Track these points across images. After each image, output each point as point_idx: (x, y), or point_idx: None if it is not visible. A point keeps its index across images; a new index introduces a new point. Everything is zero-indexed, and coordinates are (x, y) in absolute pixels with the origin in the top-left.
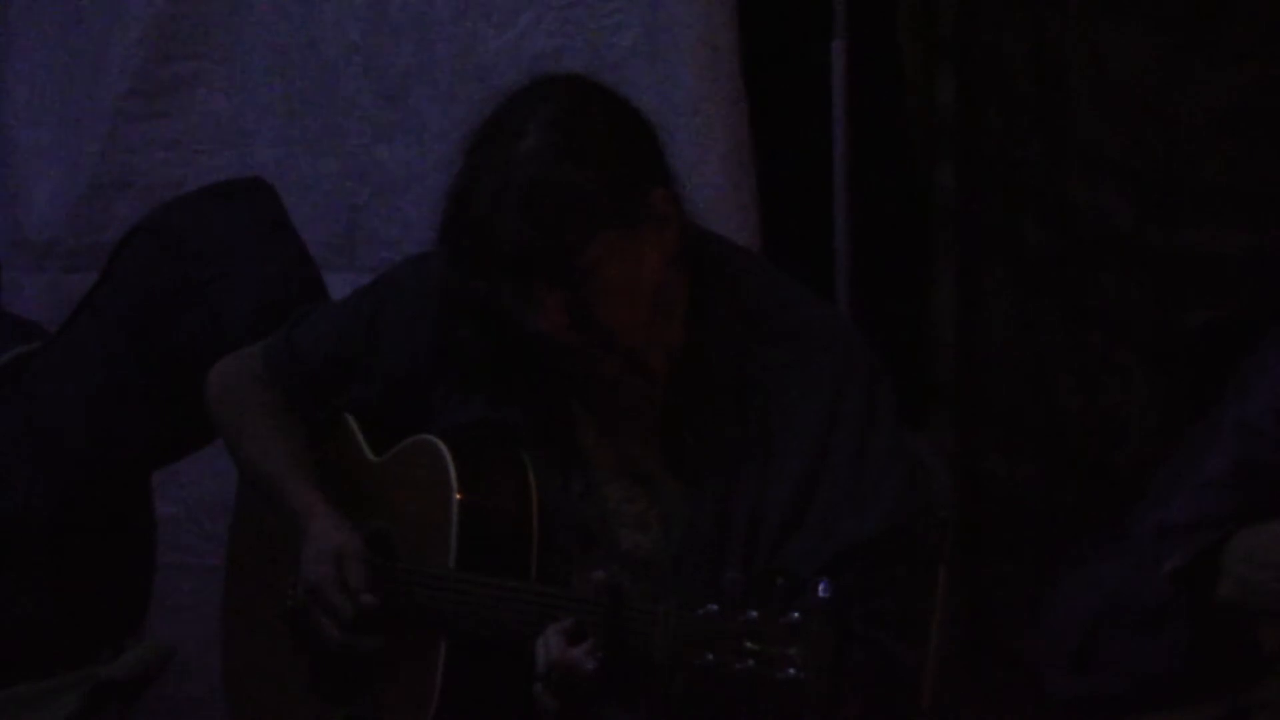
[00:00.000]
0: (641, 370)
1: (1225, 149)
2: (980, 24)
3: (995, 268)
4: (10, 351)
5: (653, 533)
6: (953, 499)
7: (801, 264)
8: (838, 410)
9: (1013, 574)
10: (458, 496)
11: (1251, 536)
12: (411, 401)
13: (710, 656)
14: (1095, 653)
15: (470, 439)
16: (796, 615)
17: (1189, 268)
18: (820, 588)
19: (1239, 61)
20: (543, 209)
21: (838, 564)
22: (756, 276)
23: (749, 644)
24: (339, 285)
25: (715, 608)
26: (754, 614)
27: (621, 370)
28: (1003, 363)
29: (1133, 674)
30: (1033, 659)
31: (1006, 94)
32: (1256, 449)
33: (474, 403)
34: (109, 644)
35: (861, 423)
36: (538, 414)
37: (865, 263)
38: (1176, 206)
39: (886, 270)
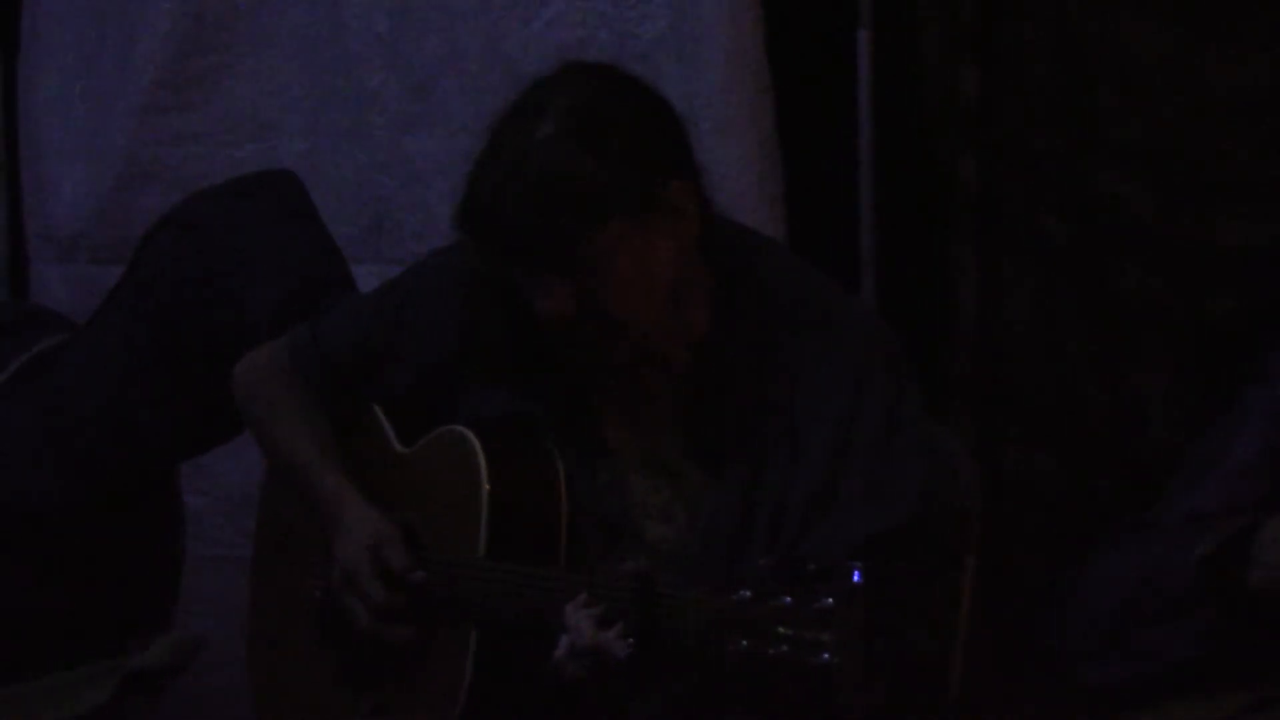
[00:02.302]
0: (658, 361)
1: (1249, 138)
2: (1002, 14)
3: (1017, 258)
4: (38, 345)
5: (677, 524)
6: (977, 489)
7: (826, 255)
8: (863, 400)
9: (1033, 564)
10: (487, 488)
11: None
12: (438, 394)
13: (744, 643)
14: (1123, 639)
15: (499, 430)
16: (830, 600)
17: (1212, 257)
18: (854, 572)
19: (1262, 50)
20: (548, 197)
21: (862, 554)
22: (781, 266)
23: (782, 629)
24: (365, 277)
25: (748, 594)
26: (787, 599)
27: (634, 360)
28: (1024, 353)
29: (1161, 661)
30: (1060, 646)
31: (1028, 84)
32: None
33: (499, 395)
34: (138, 635)
35: (887, 412)
36: (561, 405)
37: (889, 253)
38: (1200, 196)
39: (909, 261)
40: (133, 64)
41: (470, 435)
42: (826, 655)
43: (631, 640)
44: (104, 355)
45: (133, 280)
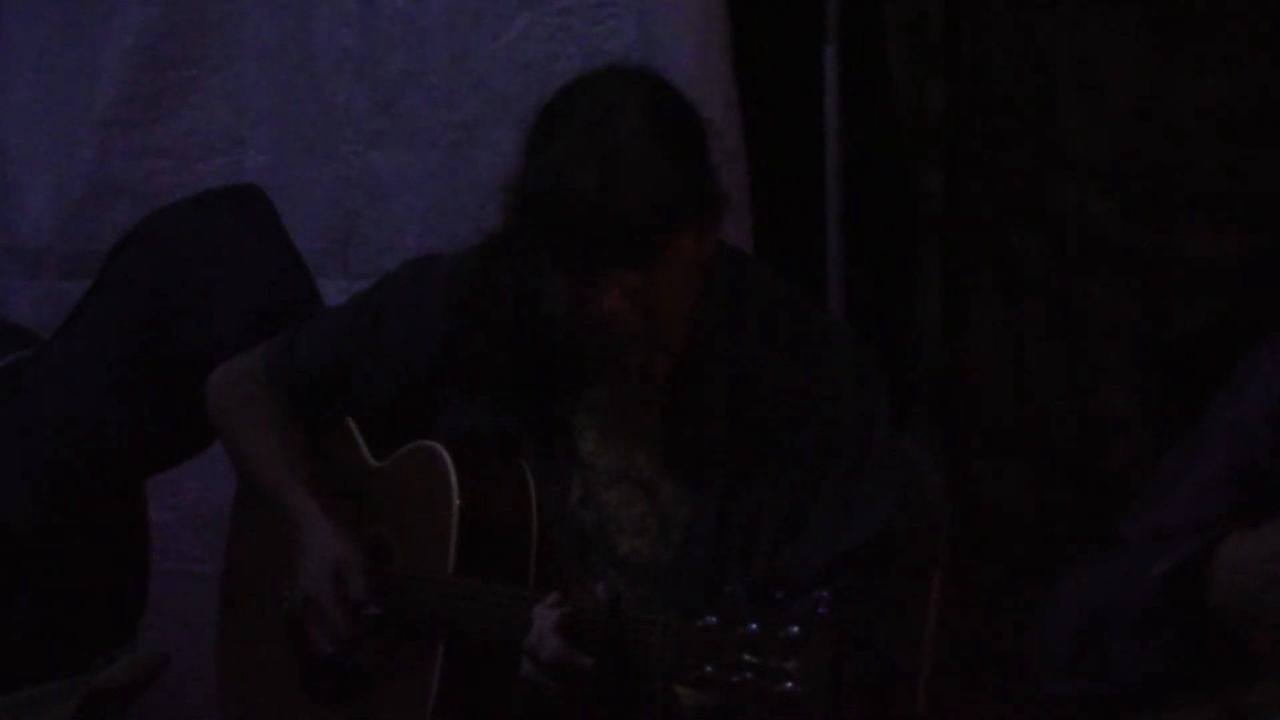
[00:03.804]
0: (645, 369)
1: (1215, 153)
2: (968, 29)
3: (982, 272)
4: (6, 358)
5: (651, 537)
6: (945, 502)
7: (792, 268)
8: (838, 414)
9: (998, 578)
10: (458, 503)
11: (1241, 543)
12: (414, 404)
13: (708, 668)
14: (1089, 655)
15: (471, 445)
16: (795, 629)
17: (1178, 273)
18: (820, 603)
19: (1228, 65)
20: (655, 197)
21: (836, 568)
22: (758, 281)
23: (747, 657)
24: (332, 292)
25: (714, 620)
26: (753, 627)
27: (645, 362)
28: (988, 368)
29: (1126, 677)
30: (1027, 659)
31: (995, 99)
32: (1249, 453)
33: (478, 407)
34: (103, 651)
35: (861, 428)
36: (540, 419)
37: (855, 267)
38: (1166, 211)
39: (875, 275)
40: (99, 78)
41: (442, 450)
42: (791, 684)
43: (593, 659)
44: (71, 370)
45: (99, 295)
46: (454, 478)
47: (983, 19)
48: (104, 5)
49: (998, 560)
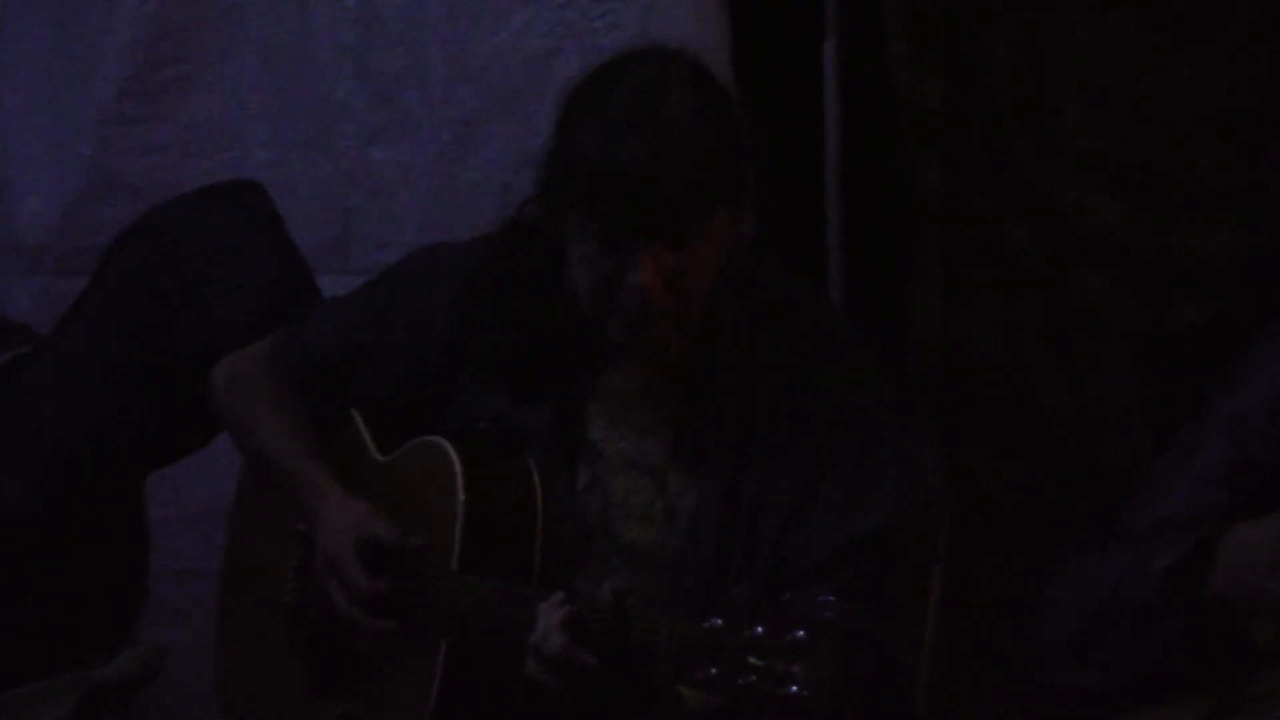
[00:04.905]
0: (664, 352)
1: (1214, 148)
2: (968, 25)
3: (981, 266)
4: (4, 355)
5: (657, 525)
6: (946, 496)
7: (792, 262)
8: (845, 407)
9: (997, 574)
10: (463, 498)
11: (1244, 534)
12: (423, 394)
13: (713, 670)
14: (1092, 649)
15: (477, 441)
16: (802, 633)
17: (1177, 267)
18: (826, 607)
19: (1228, 60)
20: (700, 170)
21: (840, 559)
22: (767, 272)
23: (752, 659)
24: (331, 288)
25: (720, 621)
26: (759, 629)
27: (664, 343)
28: (986, 361)
29: (1126, 670)
30: (1027, 653)
31: (994, 94)
32: (1249, 445)
33: (489, 396)
34: (102, 647)
35: (869, 421)
36: (550, 405)
37: (854, 261)
38: (1165, 205)
39: (874, 268)
40: (97, 74)
41: (448, 445)
42: (796, 687)
43: (597, 658)
44: (70, 366)
45: (98, 291)
46: (460, 473)
47: (982, 14)
48: (102, 1)
49: (996, 556)
